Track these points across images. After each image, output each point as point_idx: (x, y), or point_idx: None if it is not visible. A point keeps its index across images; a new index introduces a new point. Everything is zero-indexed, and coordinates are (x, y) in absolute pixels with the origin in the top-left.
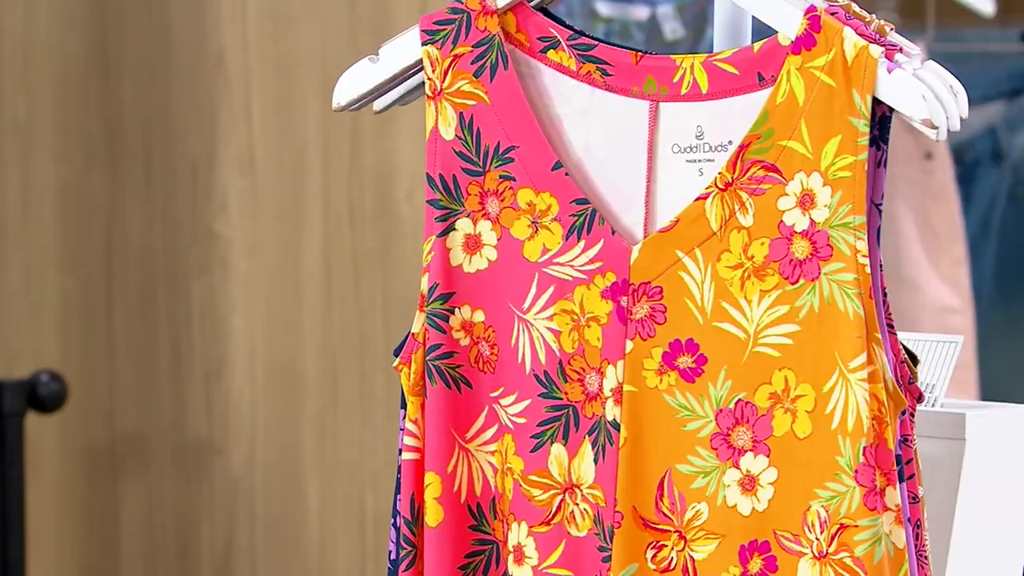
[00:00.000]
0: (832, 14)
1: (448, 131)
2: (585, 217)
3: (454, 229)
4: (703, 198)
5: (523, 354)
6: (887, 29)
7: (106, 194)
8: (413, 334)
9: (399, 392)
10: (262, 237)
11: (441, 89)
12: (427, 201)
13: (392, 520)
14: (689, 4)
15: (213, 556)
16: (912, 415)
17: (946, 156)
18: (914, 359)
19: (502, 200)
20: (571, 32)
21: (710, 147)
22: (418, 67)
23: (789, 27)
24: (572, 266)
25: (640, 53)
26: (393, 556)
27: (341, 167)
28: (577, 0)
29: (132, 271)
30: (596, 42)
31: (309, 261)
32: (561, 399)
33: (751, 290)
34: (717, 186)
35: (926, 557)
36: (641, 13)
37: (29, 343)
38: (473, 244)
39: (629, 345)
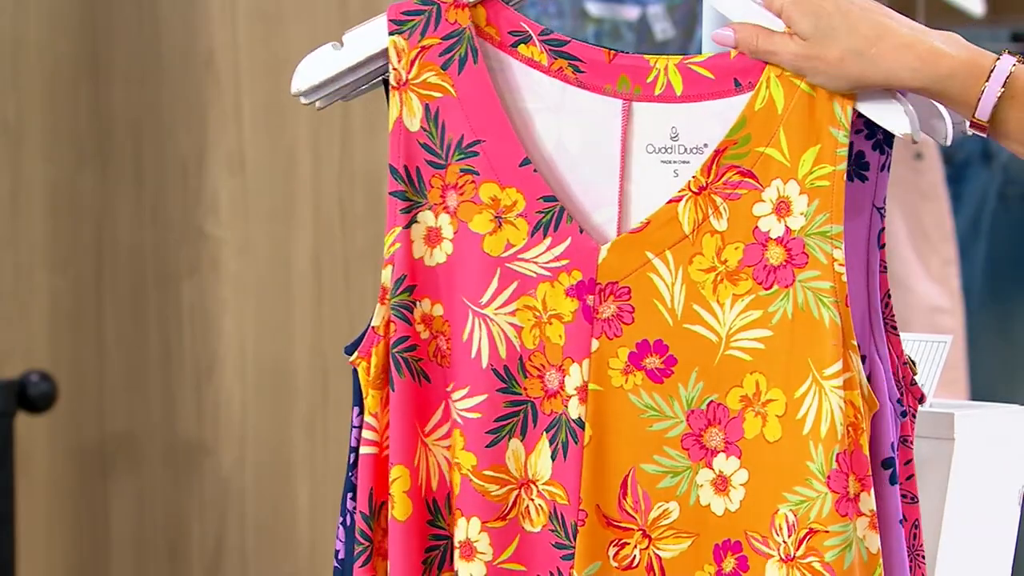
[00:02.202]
0: None
1: (413, 122)
2: (552, 214)
3: (416, 221)
4: (676, 200)
5: (478, 348)
6: None
7: (96, 194)
8: (373, 327)
9: (352, 390)
10: (252, 237)
11: (407, 80)
12: (391, 193)
13: (341, 519)
14: (679, 4)
15: (203, 556)
16: (913, 416)
17: (936, 156)
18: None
19: (461, 194)
20: (542, 28)
21: (685, 149)
22: (382, 56)
23: None
24: (536, 263)
25: (613, 52)
26: (342, 555)
27: (331, 167)
28: (567, 0)
29: (122, 271)
30: (568, 39)
31: (299, 261)
32: (520, 394)
33: (723, 294)
34: (691, 189)
35: (922, 557)
36: (631, 13)
37: (19, 343)
38: (434, 237)
39: (595, 344)
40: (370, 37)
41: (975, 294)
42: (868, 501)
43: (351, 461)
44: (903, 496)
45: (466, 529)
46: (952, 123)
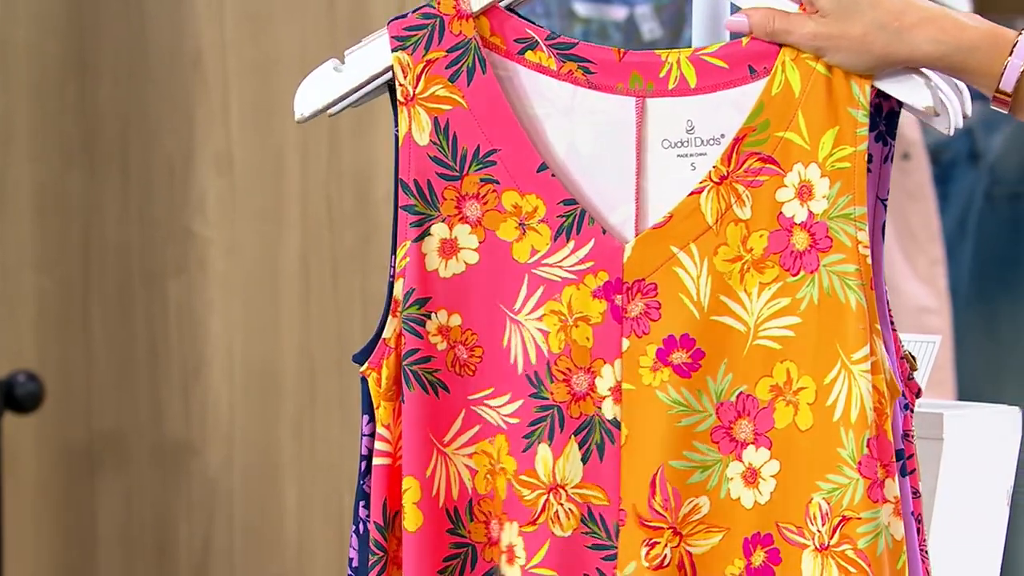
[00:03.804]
0: None
1: (422, 136)
2: (574, 218)
3: (429, 234)
4: (697, 192)
5: (515, 355)
6: None
7: (83, 194)
8: (384, 339)
9: (359, 397)
10: (240, 237)
11: (414, 95)
12: (401, 207)
13: (354, 527)
14: (667, 4)
15: (191, 556)
16: (912, 410)
17: (923, 156)
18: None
19: (485, 203)
20: (548, 32)
21: (702, 141)
22: (386, 74)
23: None
24: (561, 267)
25: (622, 50)
26: (356, 563)
27: (319, 167)
28: (555, 0)
29: (109, 271)
30: (575, 41)
31: (287, 261)
32: (548, 399)
33: (751, 283)
34: (712, 180)
35: (926, 552)
36: (619, 13)
37: (6, 343)
38: (449, 249)
39: (625, 343)
40: (372, 56)
41: (962, 294)
42: (893, 488)
43: (362, 469)
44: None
45: (509, 533)
46: (952, 114)
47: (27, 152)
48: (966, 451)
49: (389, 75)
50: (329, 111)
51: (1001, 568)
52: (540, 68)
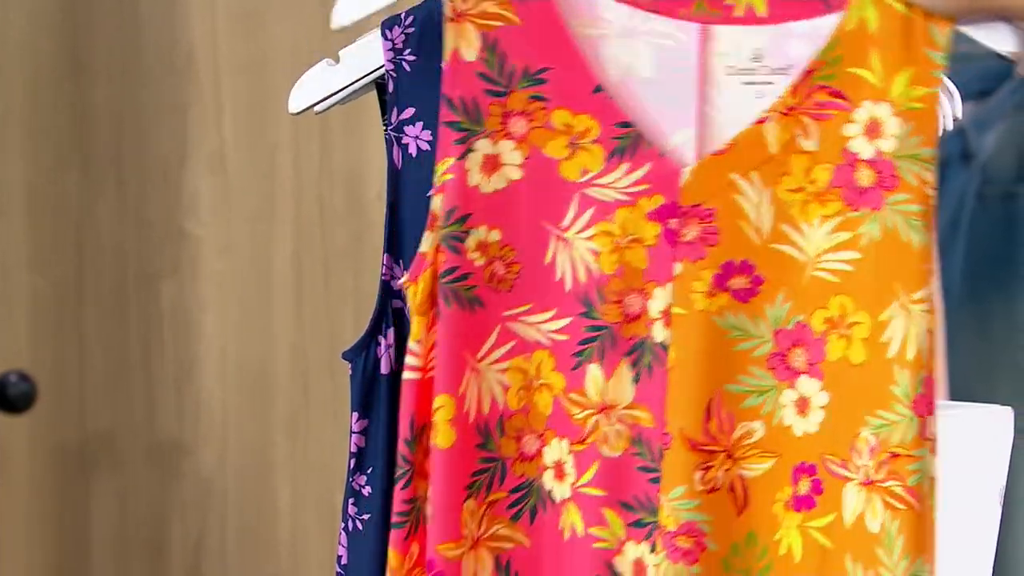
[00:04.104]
0: None
1: (470, 52)
2: (629, 140)
3: (472, 150)
4: (762, 121)
5: (562, 272)
6: None
7: (77, 193)
8: (422, 253)
9: (350, 394)
10: (233, 236)
11: (463, 11)
12: (444, 123)
13: (343, 524)
14: None
15: (184, 556)
16: None
17: None
18: None
19: (531, 120)
20: None
21: (769, 70)
22: (380, 70)
23: None
24: (614, 188)
25: None
26: (345, 561)
27: (311, 166)
28: None
29: (103, 271)
30: None
31: (280, 260)
32: (599, 319)
33: (812, 214)
34: (778, 110)
35: None
36: None
37: None
38: (492, 164)
39: (678, 268)
40: (367, 52)
41: (954, 294)
42: (934, 426)
43: (351, 466)
44: None
45: (558, 450)
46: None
47: (20, 151)
48: (958, 451)
49: (382, 71)
50: (316, 108)
51: (993, 568)
52: None
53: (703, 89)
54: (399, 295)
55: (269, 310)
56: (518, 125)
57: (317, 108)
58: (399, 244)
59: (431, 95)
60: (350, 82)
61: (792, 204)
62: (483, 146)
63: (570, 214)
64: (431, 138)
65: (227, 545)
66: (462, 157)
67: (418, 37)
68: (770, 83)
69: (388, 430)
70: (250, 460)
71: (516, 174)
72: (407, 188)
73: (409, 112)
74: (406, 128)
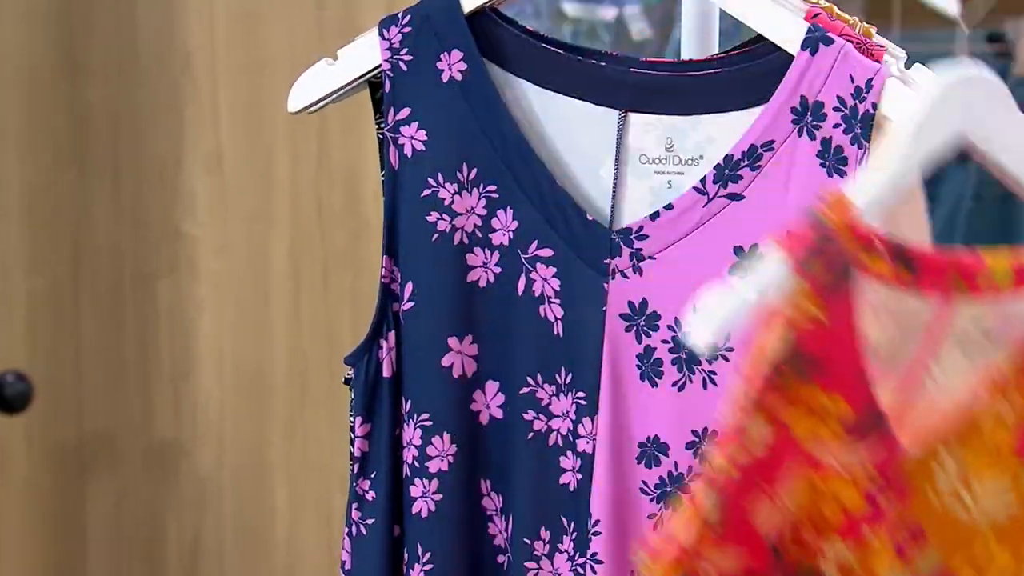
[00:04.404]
0: (815, 16)
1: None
2: None
3: None
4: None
5: None
6: (872, 31)
7: (73, 194)
8: None
9: (349, 397)
10: (230, 237)
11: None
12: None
13: (347, 528)
14: (656, 4)
15: (180, 557)
16: None
17: None
18: None
19: None
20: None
21: None
22: (376, 69)
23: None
24: None
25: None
26: (348, 566)
27: (309, 166)
28: (544, 0)
29: (100, 271)
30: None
31: (277, 261)
32: None
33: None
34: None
35: None
36: (608, 14)
37: None
38: None
39: None
40: (363, 52)
41: None
42: None
43: (354, 471)
44: None
45: None
46: None
47: (16, 152)
48: None
49: (378, 71)
50: (310, 108)
51: None
52: None
53: None
54: (398, 298)
55: (266, 310)
56: None
57: (310, 109)
58: (397, 246)
59: (427, 95)
60: (349, 81)
61: None
62: None
63: None
64: (426, 138)
65: (224, 545)
66: None
67: (414, 37)
68: None
69: (391, 434)
70: (247, 460)
71: None
72: (404, 188)
73: (405, 112)
74: (402, 128)
